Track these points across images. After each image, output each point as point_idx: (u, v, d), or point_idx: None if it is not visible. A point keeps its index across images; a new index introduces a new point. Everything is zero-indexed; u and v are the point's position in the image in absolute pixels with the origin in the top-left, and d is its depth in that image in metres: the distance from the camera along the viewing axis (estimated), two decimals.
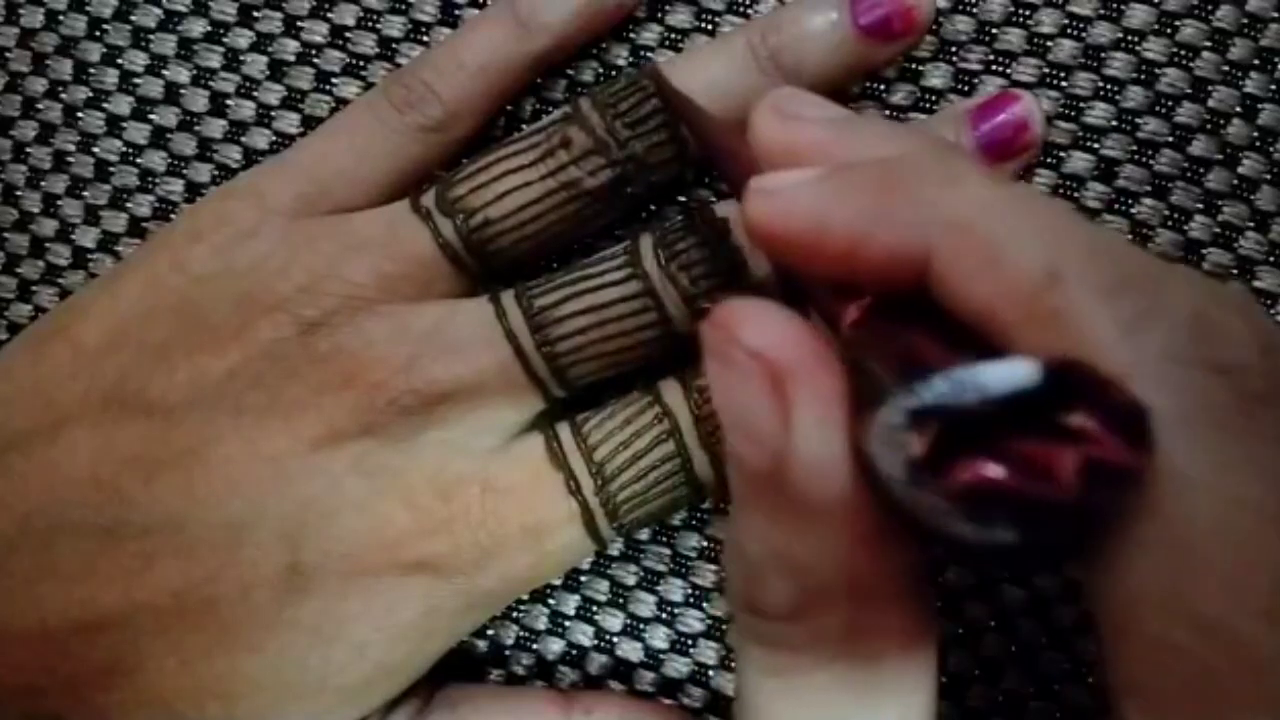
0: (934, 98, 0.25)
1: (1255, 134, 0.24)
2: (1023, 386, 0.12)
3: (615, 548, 0.26)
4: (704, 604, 0.25)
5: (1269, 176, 0.24)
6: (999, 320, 0.14)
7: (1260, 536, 0.13)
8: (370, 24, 0.26)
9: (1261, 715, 0.13)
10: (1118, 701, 0.15)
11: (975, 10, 0.24)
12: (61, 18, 0.26)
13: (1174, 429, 0.13)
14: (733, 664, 0.25)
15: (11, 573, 0.22)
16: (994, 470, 0.12)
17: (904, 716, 0.17)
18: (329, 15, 0.26)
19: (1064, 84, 0.24)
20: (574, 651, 0.26)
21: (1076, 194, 0.24)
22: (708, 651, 0.25)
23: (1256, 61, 0.24)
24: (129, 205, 0.27)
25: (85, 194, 0.27)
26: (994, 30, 0.24)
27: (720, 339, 0.16)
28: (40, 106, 0.27)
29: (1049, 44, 0.24)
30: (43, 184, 0.27)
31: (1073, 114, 0.24)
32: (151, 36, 0.26)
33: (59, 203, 0.27)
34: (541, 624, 0.26)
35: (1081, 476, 0.12)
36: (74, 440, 0.22)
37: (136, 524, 0.22)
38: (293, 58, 0.26)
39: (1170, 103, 0.24)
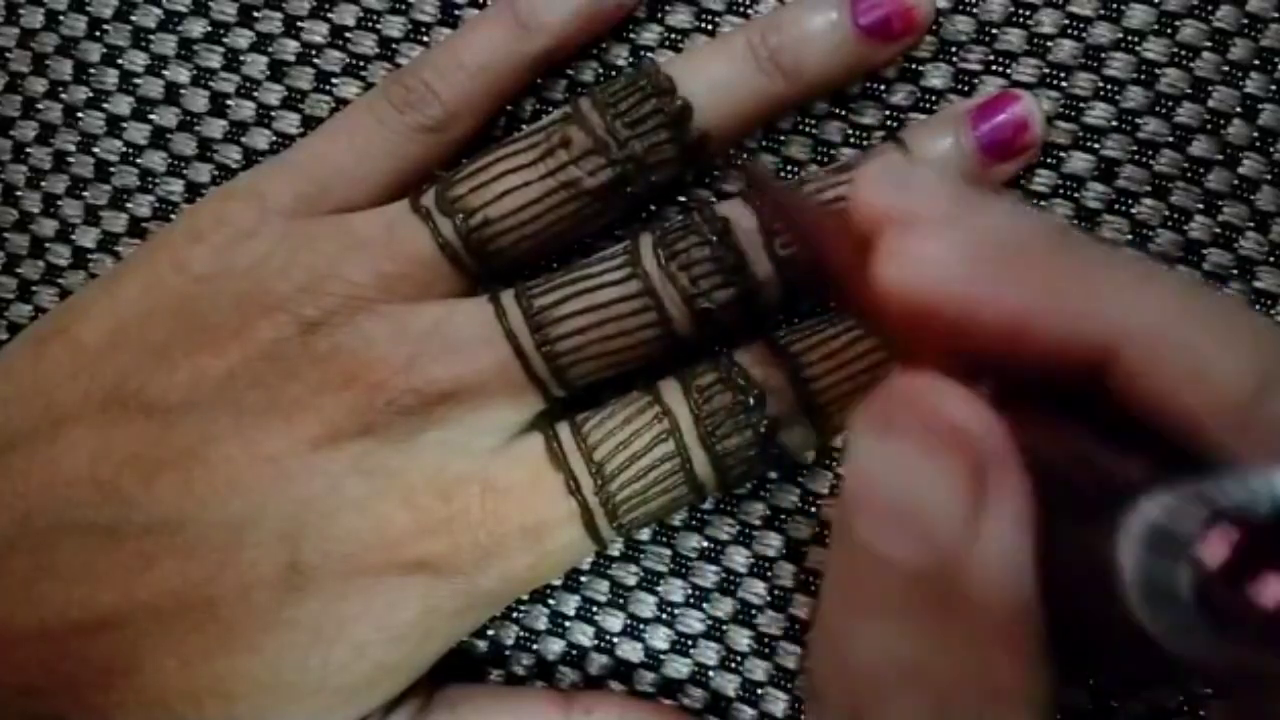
0: (934, 98, 0.25)
1: (1255, 134, 0.24)
2: None
3: (615, 548, 0.26)
4: (704, 604, 0.25)
5: (1269, 176, 0.24)
6: (1206, 429, 0.13)
7: None
8: (370, 24, 0.26)
9: None
10: None
11: (975, 10, 0.24)
12: (62, 18, 0.26)
13: None
14: (733, 665, 0.25)
15: (11, 572, 0.22)
16: None
17: None
18: (329, 15, 0.26)
19: (1064, 84, 0.24)
20: (574, 652, 0.26)
21: (1076, 194, 0.24)
22: (708, 652, 0.25)
23: (1256, 61, 0.24)
24: (129, 205, 0.27)
25: (85, 194, 0.27)
26: (994, 30, 0.24)
27: (909, 410, 0.14)
28: (40, 107, 0.27)
29: (1049, 44, 0.24)
30: (43, 184, 0.27)
31: (1073, 114, 0.24)
32: (151, 37, 0.26)
33: (59, 203, 0.27)
34: (542, 624, 0.26)
35: None
36: (74, 440, 0.22)
37: (136, 524, 0.22)
38: (293, 58, 0.26)
39: (1170, 103, 0.24)
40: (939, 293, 0.15)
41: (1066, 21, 0.24)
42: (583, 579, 0.26)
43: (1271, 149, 0.24)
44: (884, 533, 0.14)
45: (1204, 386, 0.13)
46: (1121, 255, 0.15)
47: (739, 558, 0.25)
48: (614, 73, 0.25)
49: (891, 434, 0.14)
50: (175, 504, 0.22)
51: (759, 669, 0.25)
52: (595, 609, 0.26)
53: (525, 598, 0.26)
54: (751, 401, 0.22)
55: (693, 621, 0.25)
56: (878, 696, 0.14)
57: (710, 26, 0.25)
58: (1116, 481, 0.12)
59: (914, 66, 0.25)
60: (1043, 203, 0.24)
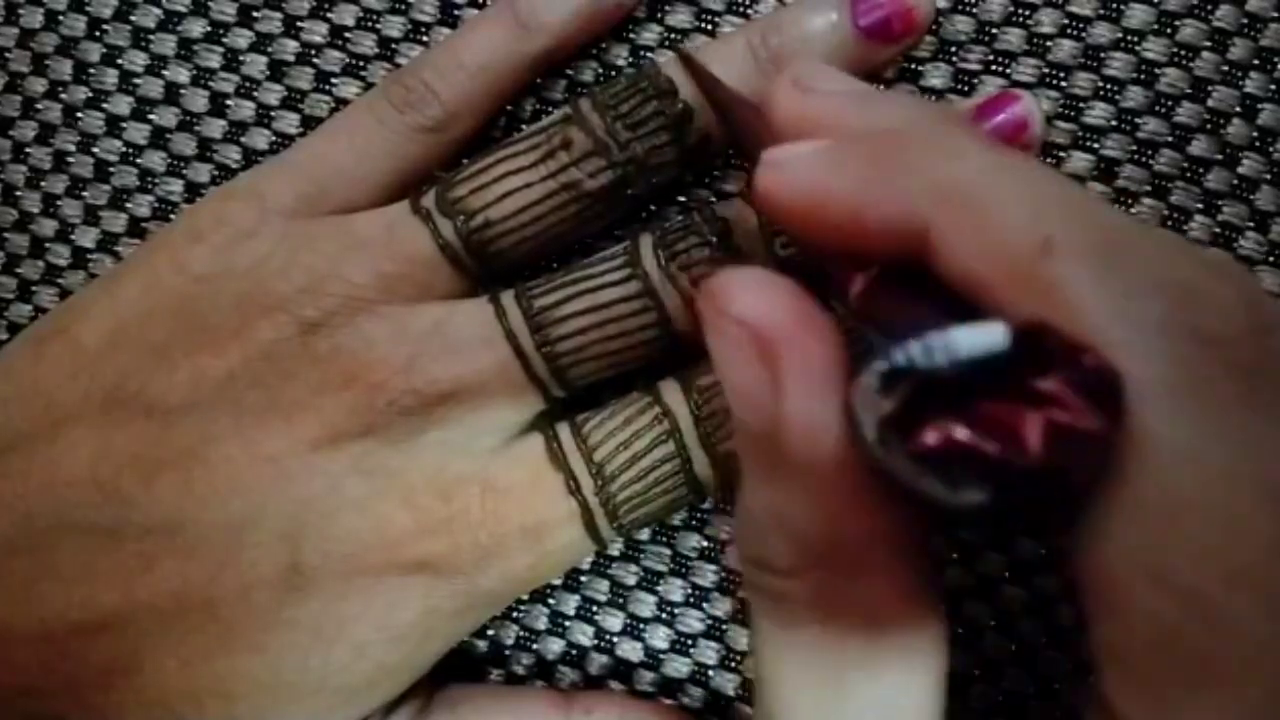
0: (934, 97, 0.25)
1: (1255, 134, 0.24)
2: (992, 350, 0.13)
3: (615, 548, 0.26)
4: (704, 604, 0.25)
5: (1269, 176, 0.24)
6: (992, 291, 0.15)
7: (1244, 507, 0.13)
8: (370, 24, 0.26)
9: (1240, 687, 0.13)
10: (1097, 670, 0.15)
11: (975, 10, 0.24)
12: (61, 18, 0.26)
13: (1160, 399, 0.13)
14: (733, 664, 0.25)
15: (11, 573, 0.22)
16: (960, 432, 0.13)
17: (905, 684, 0.17)
18: (329, 15, 0.26)
19: (1064, 84, 0.24)
20: (574, 651, 0.26)
21: None
22: (708, 652, 0.25)
23: (1256, 61, 0.24)
24: (129, 205, 0.27)
25: (85, 194, 0.27)
26: (994, 30, 0.24)
27: (711, 310, 0.16)
28: (40, 107, 0.27)
29: (1049, 44, 0.24)
30: (43, 184, 0.27)
31: (1073, 114, 0.24)
32: (151, 37, 0.26)
33: (59, 203, 0.27)
34: (542, 624, 0.26)
35: (1048, 441, 0.13)
36: (74, 440, 0.22)
37: (136, 524, 0.22)
38: (292, 58, 0.26)
39: (1170, 103, 0.24)
40: (790, 195, 0.17)
41: (1066, 21, 0.24)
42: (583, 579, 0.26)
43: (1271, 149, 0.24)
44: (734, 404, 0.16)
45: (992, 250, 0.15)
46: (939, 134, 0.16)
47: None
48: (614, 73, 0.25)
49: (707, 328, 0.16)
50: (175, 504, 0.22)
51: None
52: (595, 609, 0.26)
53: (525, 597, 0.26)
54: None
55: (693, 621, 0.25)
56: (760, 535, 0.17)
57: (710, 26, 0.25)
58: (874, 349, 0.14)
59: (914, 66, 0.25)
60: None
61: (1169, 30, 0.24)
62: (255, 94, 0.26)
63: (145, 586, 0.22)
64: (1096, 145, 0.24)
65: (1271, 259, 0.24)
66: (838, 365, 0.15)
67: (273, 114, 0.26)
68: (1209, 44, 0.24)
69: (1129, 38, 0.24)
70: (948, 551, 0.24)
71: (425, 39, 0.26)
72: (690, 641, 0.25)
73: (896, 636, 0.17)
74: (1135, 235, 0.15)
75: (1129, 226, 0.15)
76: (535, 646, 0.26)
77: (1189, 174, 0.24)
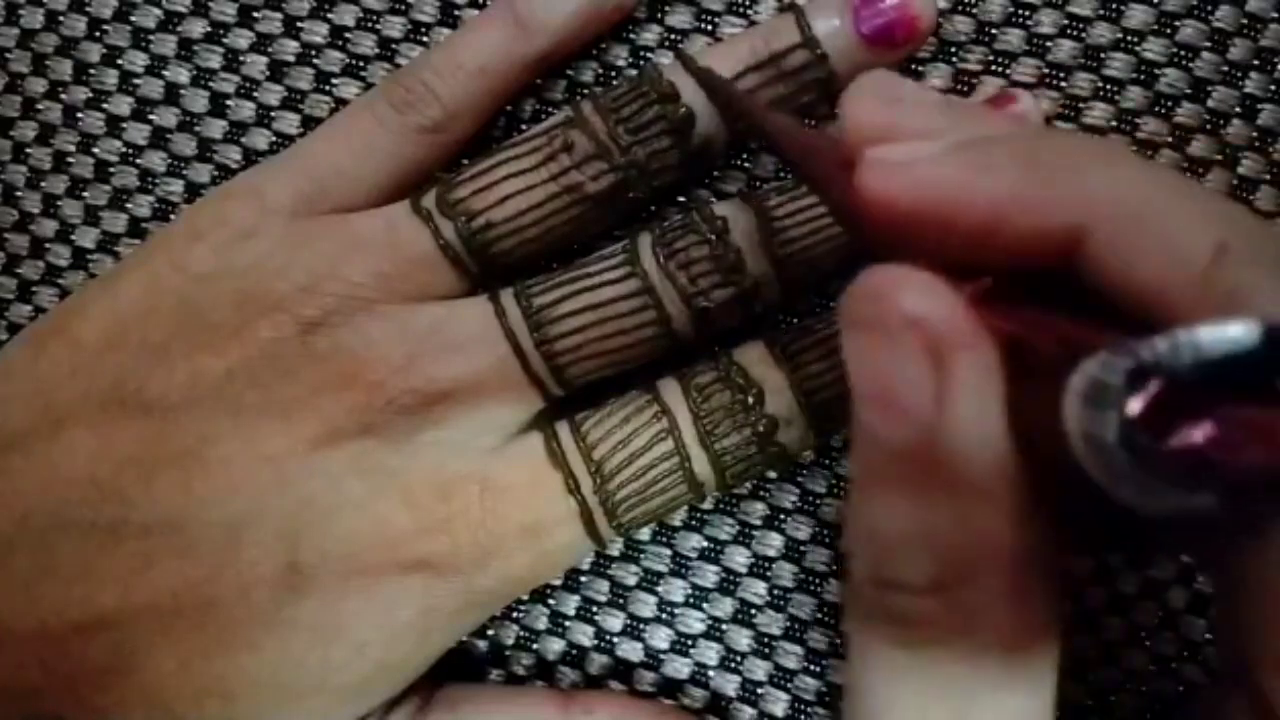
0: None
1: (1255, 134, 0.24)
2: (1241, 348, 0.12)
3: (615, 548, 0.26)
4: (704, 604, 0.25)
5: (1268, 176, 0.24)
6: (1164, 298, 0.14)
7: None
8: (370, 24, 0.26)
9: None
10: (1253, 659, 0.14)
11: (975, 10, 0.24)
12: (61, 18, 0.26)
13: None
14: (733, 664, 0.25)
15: (10, 572, 0.22)
16: (1215, 433, 0.12)
17: (1029, 708, 0.16)
18: (329, 16, 0.26)
19: (1064, 84, 0.24)
20: (574, 652, 0.26)
21: None
22: (708, 652, 0.25)
23: (1256, 62, 0.24)
24: (129, 206, 0.27)
25: (85, 194, 0.27)
26: (994, 30, 0.24)
27: (870, 306, 0.15)
28: (40, 107, 0.27)
29: (1048, 44, 0.24)
30: (43, 184, 0.27)
31: (1073, 114, 0.24)
32: (151, 37, 0.26)
33: (59, 203, 0.27)
34: (542, 624, 0.26)
35: None
36: (73, 440, 0.22)
37: (136, 524, 0.22)
38: (292, 58, 0.26)
39: (1170, 103, 0.24)
40: (916, 194, 0.16)
41: (1066, 22, 0.24)
42: (583, 579, 0.26)
43: (1271, 149, 0.24)
44: (874, 416, 0.15)
45: (1164, 258, 0.14)
46: (1090, 141, 0.16)
47: (739, 557, 0.25)
48: (614, 73, 0.25)
49: (858, 327, 0.15)
50: (174, 504, 0.22)
51: (759, 669, 0.25)
52: (595, 609, 0.26)
53: (525, 597, 0.26)
54: (750, 400, 0.22)
55: (693, 621, 0.25)
56: (891, 553, 0.16)
57: (710, 27, 0.25)
58: (1075, 349, 0.13)
59: (914, 66, 0.25)
60: None
61: (1169, 30, 0.24)
62: (255, 94, 0.26)
63: (144, 586, 0.21)
64: None
65: None
66: (1003, 371, 0.15)
67: (273, 114, 0.26)
68: (1209, 44, 0.24)
69: (1129, 38, 0.24)
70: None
71: (425, 39, 0.26)
72: (690, 642, 0.25)
73: (1029, 657, 0.16)
74: None
75: None
76: (535, 646, 0.26)
77: (1189, 174, 0.24)
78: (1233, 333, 0.12)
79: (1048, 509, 0.16)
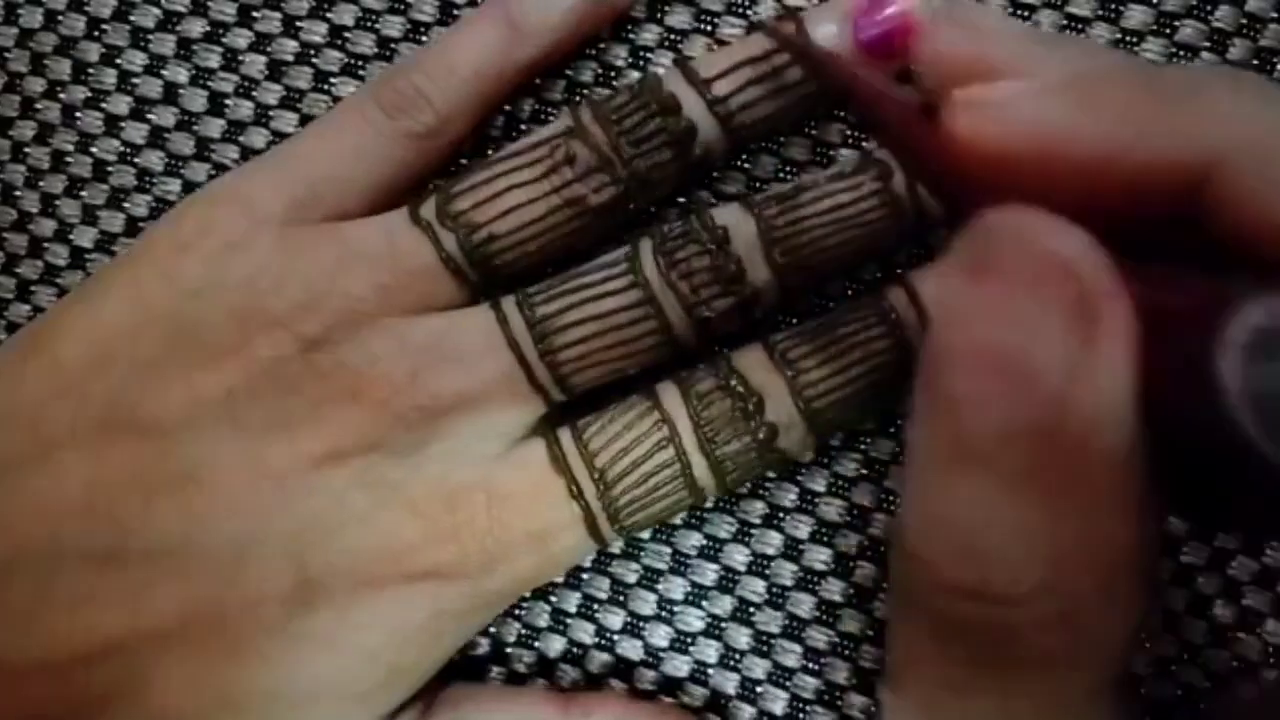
0: None
1: None
2: None
3: (616, 545, 0.26)
4: (704, 602, 0.25)
5: None
6: None
7: None
8: (369, 24, 0.26)
9: None
10: None
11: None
12: (60, 18, 0.26)
13: None
14: (732, 662, 0.25)
15: (8, 604, 0.21)
16: None
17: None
18: (328, 15, 0.26)
19: None
20: (575, 649, 0.26)
21: None
22: (707, 650, 0.25)
23: (1256, 62, 0.24)
24: (126, 205, 0.26)
25: (83, 194, 0.27)
26: None
27: (1005, 248, 0.13)
28: (39, 106, 0.27)
29: None
30: (41, 184, 0.27)
31: None
32: (150, 36, 0.26)
33: (57, 203, 0.27)
34: (543, 621, 0.26)
35: None
36: (65, 464, 0.21)
37: (136, 548, 0.21)
38: (291, 58, 0.26)
39: None
40: (1020, 136, 0.14)
41: (1065, 22, 0.24)
42: (584, 576, 0.26)
43: None
44: (981, 384, 0.13)
45: None
46: (1212, 69, 0.14)
47: (738, 556, 0.25)
48: (613, 73, 0.25)
49: (989, 274, 0.13)
50: (176, 526, 0.21)
51: (758, 667, 0.25)
52: (596, 606, 0.26)
53: (527, 595, 0.26)
54: (750, 408, 0.22)
55: (692, 619, 0.26)
56: (979, 553, 0.13)
57: (709, 28, 0.25)
58: (1216, 299, 0.12)
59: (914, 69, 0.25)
60: None
61: (1168, 31, 0.24)
62: (254, 94, 0.26)
63: (149, 609, 0.21)
64: None
65: None
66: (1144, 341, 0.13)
67: (271, 114, 0.26)
68: (1208, 44, 0.24)
69: (1128, 38, 0.24)
70: None
71: (424, 39, 0.25)
72: (690, 640, 0.26)
73: (1116, 670, 0.14)
74: None
75: None
76: (536, 644, 0.26)
77: None
78: None
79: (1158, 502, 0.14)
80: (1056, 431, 0.12)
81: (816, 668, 0.25)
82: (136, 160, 0.26)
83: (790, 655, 0.25)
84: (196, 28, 0.26)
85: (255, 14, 0.26)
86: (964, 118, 0.14)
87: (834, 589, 0.25)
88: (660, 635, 0.26)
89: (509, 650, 0.26)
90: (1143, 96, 0.14)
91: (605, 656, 0.26)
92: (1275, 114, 0.13)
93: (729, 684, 0.25)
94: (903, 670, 0.15)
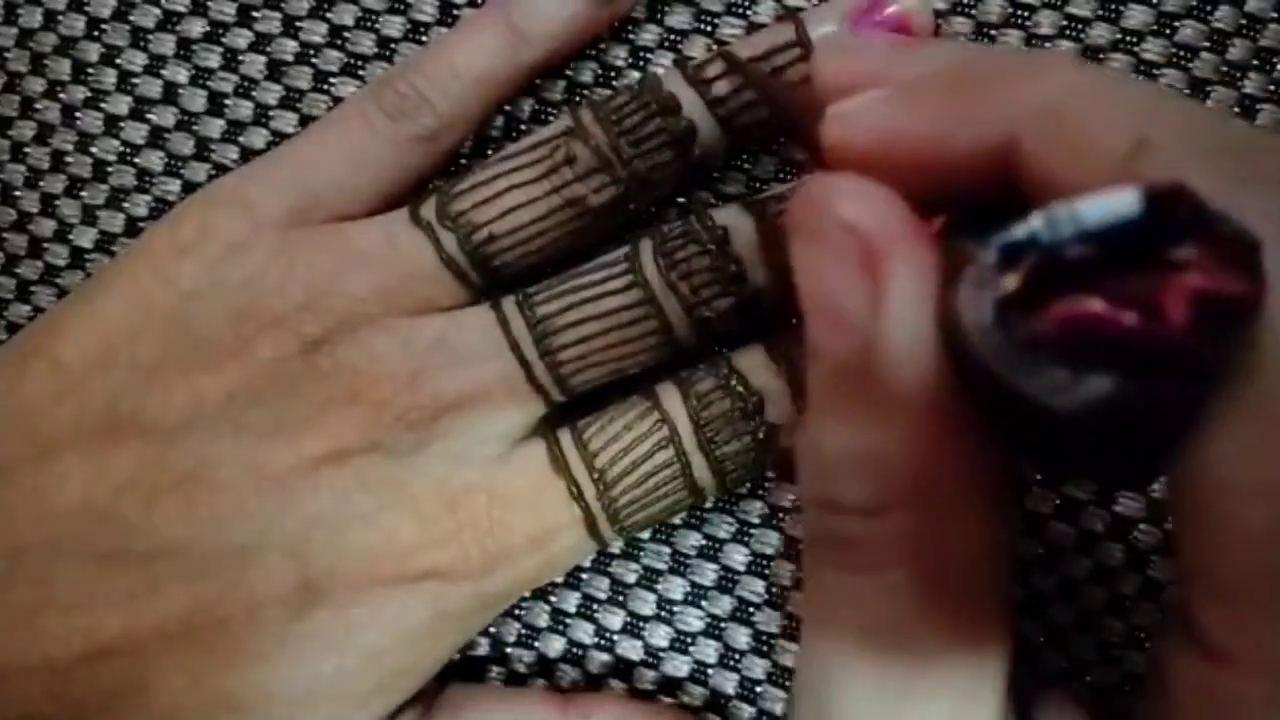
0: None
1: None
2: (1122, 218, 0.11)
3: (616, 545, 0.26)
4: (703, 602, 0.25)
5: None
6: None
7: None
8: (369, 24, 0.26)
9: None
10: (1184, 589, 0.14)
11: (974, 12, 0.24)
12: (60, 18, 0.26)
13: None
14: (732, 662, 0.25)
15: (10, 607, 0.21)
16: (1094, 304, 0.11)
17: (980, 666, 0.16)
18: (328, 15, 0.26)
19: None
20: (575, 650, 0.26)
21: None
22: (707, 650, 0.25)
23: (1255, 62, 0.24)
24: (126, 205, 0.26)
25: (83, 194, 0.27)
26: (993, 31, 0.24)
27: (811, 214, 0.15)
28: (39, 106, 0.27)
29: (1047, 45, 0.24)
30: (41, 184, 0.27)
31: None
32: (150, 36, 0.26)
33: (57, 203, 0.27)
34: (543, 621, 0.26)
35: (1191, 310, 0.11)
36: (64, 468, 0.21)
37: (137, 550, 0.21)
38: (291, 58, 0.26)
39: None
40: (864, 139, 0.16)
41: (1065, 22, 0.24)
42: (583, 576, 0.26)
43: None
44: (819, 328, 0.15)
45: (1083, 155, 0.14)
46: (1017, 53, 0.16)
47: (738, 556, 0.25)
48: (613, 73, 0.25)
49: (801, 236, 0.15)
50: (177, 528, 0.21)
51: (758, 667, 0.25)
52: (596, 606, 0.26)
53: (527, 595, 0.26)
54: (750, 408, 0.22)
55: (692, 619, 0.26)
56: (833, 474, 0.15)
57: (710, 28, 0.25)
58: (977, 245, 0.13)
59: None
60: None
61: (1168, 31, 0.24)
62: (254, 94, 0.26)
63: (150, 612, 0.21)
64: None
65: None
66: (940, 281, 0.14)
67: (271, 114, 0.26)
68: (1208, 45, 0.24)
69: (1128, 39, 0.24)
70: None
71: (424, 39, 0.25)
72: (690, 640, 0.26)
73: (969, 585, 0.16)
74: (1242, 133, 0.14)
75: (1235, 125, 0.14)
76: (536, 644, 0.26)
77: None
78: (1113, 202, 0.12)
79: (994, 438, 0.15)
80: (870, 363, 0.14)
81: None
82: (136, 160, 0.26)
83: (790, 655, 0.25)
84: (196, 28, 0.26)
85: (255, 14, 0.26)
86: (830, 127, 0.17)
87: None
88: (660, 635, 0.26)
89: (509, 650, 0.26)
90: (948, 91, 0.16)
91: (605, 657, 0.26)
92: (1060, 93, 0.15)
93: (729, 684, 0.25)
94: (807, 599, 0.17)
